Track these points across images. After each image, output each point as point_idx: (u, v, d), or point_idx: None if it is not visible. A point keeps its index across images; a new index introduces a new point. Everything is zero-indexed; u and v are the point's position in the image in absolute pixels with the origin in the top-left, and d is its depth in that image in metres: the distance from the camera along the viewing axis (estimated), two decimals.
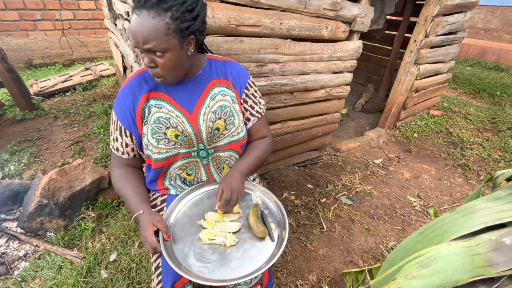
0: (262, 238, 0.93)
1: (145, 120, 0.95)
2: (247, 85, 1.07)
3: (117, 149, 1.00)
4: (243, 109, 1.08)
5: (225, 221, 0.97)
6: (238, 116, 1.04)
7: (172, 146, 0.97)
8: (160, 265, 0.95)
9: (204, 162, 1.07)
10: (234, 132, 1.04)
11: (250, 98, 1.08)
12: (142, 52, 0.83)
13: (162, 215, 1.00)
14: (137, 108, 0.94)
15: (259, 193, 1.10)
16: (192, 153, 1.02)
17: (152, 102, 0.95)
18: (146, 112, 0.95)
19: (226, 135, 1.03)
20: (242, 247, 0.90)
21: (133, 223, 1.71)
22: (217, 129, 1.01)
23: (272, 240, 0.92)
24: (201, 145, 1.02)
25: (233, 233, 0.94)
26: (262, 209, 1.03)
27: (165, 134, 0.95)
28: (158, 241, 0.87)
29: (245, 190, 1.11)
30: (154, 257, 0.99)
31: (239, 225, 0.96)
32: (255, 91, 1.10)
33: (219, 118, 1.00)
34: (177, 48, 0.82)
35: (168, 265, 0.89)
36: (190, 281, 0.95)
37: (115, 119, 0.96)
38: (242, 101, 1.06)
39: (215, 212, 1.00)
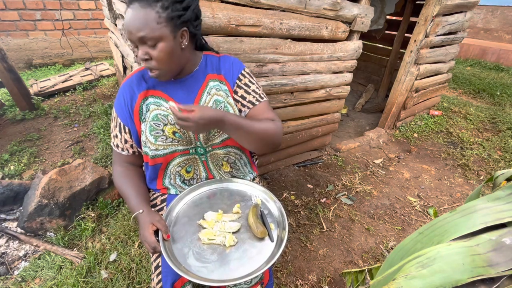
0: (262, 238, 0.92)
1: (143, 118, 0.96)
2: (240, 75, 1.03)
3: (117, 146, 1.02)
4: (234, 100, 1.02)
5: (224, 221, 0.97)
6: (234, 111, 1.02)
7: (170, 143, 0.98)
8: (159, 264, 0.95)
9: (203, 159, 1.07)
10: None
11: (241, 88, 1.02)
12: (136, 47, 0.84)
13: (161, 214, 1.00)
14: (135, 105, 0.95)
15: (258, 193, 1.10)
16: (190, 150, 1.03)
17: (150, 100, 0.96)
18: (144, 109, 0.96)
19: (221, 132, 1.02)
20: (241, 247, 0.90)
21: (132, 222, 1.71)
22: None
23: (272, 240, 0.92)
24: (199, 142, 1.02)
25: (233, 233, 0.94)
26: (261, 209, 1.03)
27: (163, 131, 0.96)
28: (158, 240, 0.87)
29: (245, 190, 1.11)
30: (154, 256, 0.99)
31: (238, 225, 0.96)
32: (250, 81, 1.04)
33: None
34: (170, 39, 0.82)
35: (167, 265, 0.89)
36: (189, 281, 0.95)
37: (115, 115, 0.99)
38: (233, 92, 1.03)
39: (215, 212, 1.00)
